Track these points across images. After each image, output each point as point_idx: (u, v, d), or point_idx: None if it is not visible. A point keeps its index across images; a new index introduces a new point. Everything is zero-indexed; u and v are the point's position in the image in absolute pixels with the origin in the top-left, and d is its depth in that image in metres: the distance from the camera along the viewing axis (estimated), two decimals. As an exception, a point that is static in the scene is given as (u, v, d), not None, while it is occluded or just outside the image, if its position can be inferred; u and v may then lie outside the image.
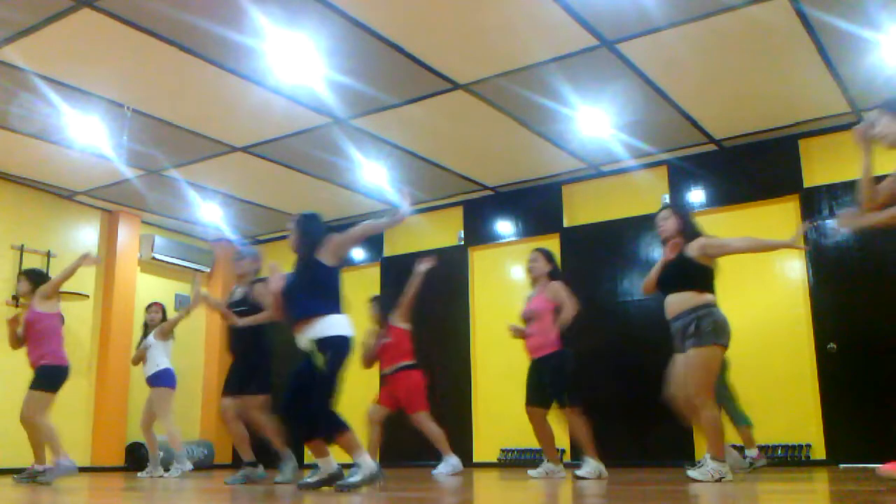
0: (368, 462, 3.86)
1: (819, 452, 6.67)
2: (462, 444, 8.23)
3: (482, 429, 8.41)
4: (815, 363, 6.79)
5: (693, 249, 4.47)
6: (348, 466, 3.90)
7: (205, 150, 7.50)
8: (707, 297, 4.39)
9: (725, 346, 4.35)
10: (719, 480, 4.06)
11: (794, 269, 7.14)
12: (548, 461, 5.59)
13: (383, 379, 6.72)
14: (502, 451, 8.19)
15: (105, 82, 6.15)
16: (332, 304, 4.08)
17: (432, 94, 6.39)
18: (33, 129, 6.98)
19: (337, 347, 3.95)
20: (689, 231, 4.58)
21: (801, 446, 6.74)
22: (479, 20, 5.32)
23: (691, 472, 4.21)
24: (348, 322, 4.10)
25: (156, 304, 7.37)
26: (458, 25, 5.40)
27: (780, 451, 6.79)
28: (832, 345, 6.72)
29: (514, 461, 8.06)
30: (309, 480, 4.12)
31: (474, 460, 8.30)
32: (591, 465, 5.19)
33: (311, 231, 4.30)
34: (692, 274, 4.42)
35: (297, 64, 5.79)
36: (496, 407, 8.31)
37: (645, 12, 5.18)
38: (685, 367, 4.33)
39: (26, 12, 5.13)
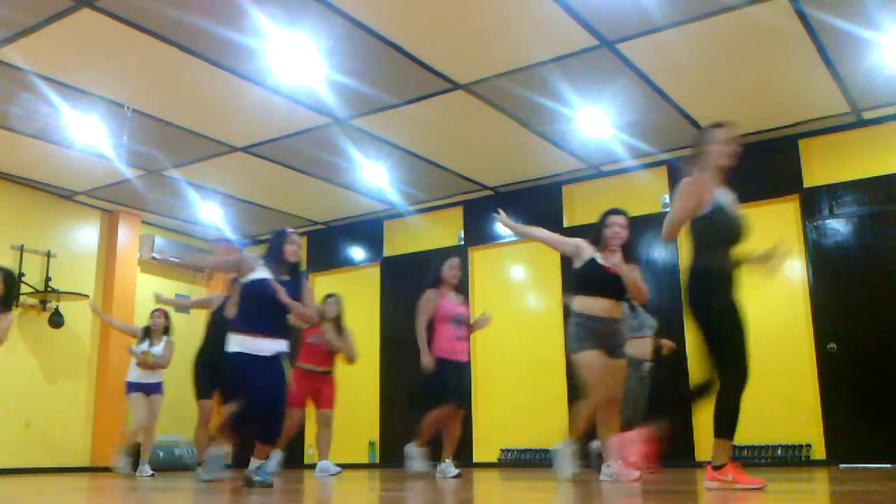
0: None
1: (819, 452, 6.67)
2: (462, 444, 8.23)
3: (482, 429, 8.41)
4: (815, 363, 6.79)
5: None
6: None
7: (205, 150, 7.50)
8: None
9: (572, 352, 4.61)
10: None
11: (794, 269, 7.14)
12: (450, 459, 5.82)
13: (309, 374, 6.75)
14: (502, 451, 8.19)
15: (105, 82, 6.16)
16: None
17: (432, 94, 6.39)
18: (33, 129, 6.98)
19: None
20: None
21: (801, 446, 6.74)
22: (480, 20, 5.32)
23: (606, 473, 4.41)
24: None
25: (160, 309, 7.47)
26: (458, 25, 5.40)
27: (779, 451, 6.79)
28: (832, 345, 6.72)
29: (514, 461, 8.06)
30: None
31: (474, 460, 8.31)
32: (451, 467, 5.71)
33: None
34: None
35: (297, 64, 5.79)
36: (496, 407, 8.32)
37: (645, 12, 5.18)
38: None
39: (26, 12, 5.13)
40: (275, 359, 4.44)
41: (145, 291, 9.54)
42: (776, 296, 7.15)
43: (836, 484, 4.08)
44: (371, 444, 8.99)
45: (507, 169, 8.21)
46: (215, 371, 5.55)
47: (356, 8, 5.13)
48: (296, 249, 4.63)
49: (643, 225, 7.86)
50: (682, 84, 6.32)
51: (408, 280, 9.22)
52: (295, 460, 8.86)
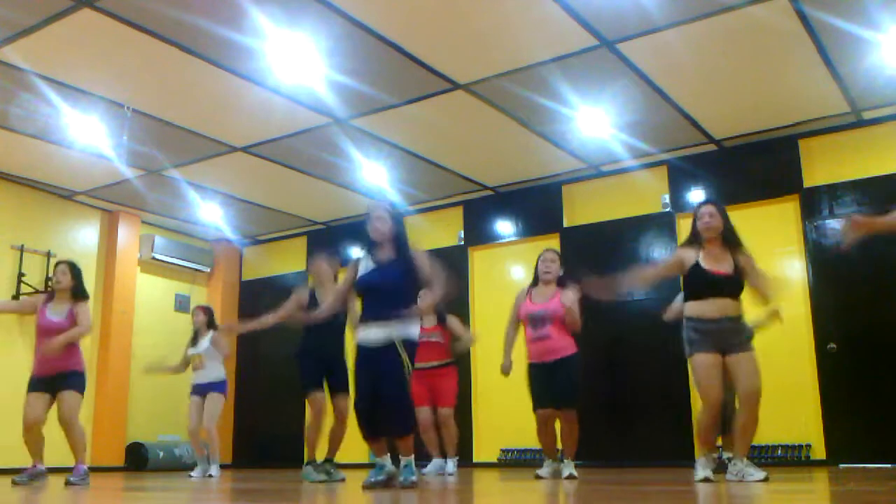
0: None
1: (819, 452, 6.67)
2: (462, 444, 8.22)
3: (482, 429, 8.41)
4: (815, 363, 6.79)
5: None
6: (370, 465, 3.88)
7: (205, 150, 7.51)
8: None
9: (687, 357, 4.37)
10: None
11: (794, 269, 7.14)
12: (553, 461, 5.51)
13: (421, 373, 6.23)
14: (502, 451, 8.19)
15: (105, 82, 6.16)
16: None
17: (432, 94, 6.39)
18: (33, 129, 6.99)
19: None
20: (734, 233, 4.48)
21: (801, 446, 6.74)
22: (479, 20, 5.32)
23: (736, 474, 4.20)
24: None
25: (199, 307, 7.25)
26: (458, 25, 5.40)
27: (779, 451, 6.79)
28: (832, 345, 6.72)
29: (514, 461, 8.06)
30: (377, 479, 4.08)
31: (474, 460, 8.30)
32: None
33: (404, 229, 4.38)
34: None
35: (297, 64, 5.79)
36: (496, 407, 8.31)
37: (645, 12, 5.18)
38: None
39: (26, 12, 5.13)
40: (382, 349, 4.11)
41: (145, 291, 9.55)
42: (776, 296, 7.14)
43: (836, 484, 4.08)
44: (371, 444, 8.97)
45: (507, 169, 8.21)
46: (322, 361, 5.53)
47: (356, 8, 5.14)
48: (379, 226, 4.24)
49: (643, 225, 7.89)
50: (682, 84, 6.32)
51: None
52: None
